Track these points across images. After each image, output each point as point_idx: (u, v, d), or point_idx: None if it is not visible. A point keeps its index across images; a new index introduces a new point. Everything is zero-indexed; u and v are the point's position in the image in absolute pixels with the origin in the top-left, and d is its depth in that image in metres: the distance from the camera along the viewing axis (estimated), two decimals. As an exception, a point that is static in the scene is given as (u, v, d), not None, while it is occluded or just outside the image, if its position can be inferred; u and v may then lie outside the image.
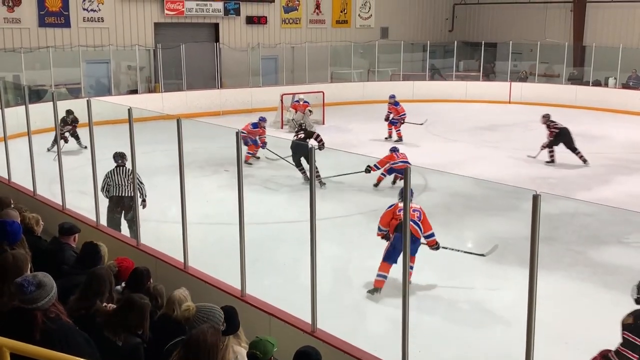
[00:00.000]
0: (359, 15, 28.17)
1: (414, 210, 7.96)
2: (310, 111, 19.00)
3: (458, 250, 8.57)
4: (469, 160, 15.05)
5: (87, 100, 7.85)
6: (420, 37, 29.03)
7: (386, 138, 17.69)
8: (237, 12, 24.29)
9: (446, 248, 8.37)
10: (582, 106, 23.15)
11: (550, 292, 7.63)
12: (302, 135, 13.68)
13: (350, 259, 9.11)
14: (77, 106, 14.18)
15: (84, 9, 21.16)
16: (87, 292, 4.57)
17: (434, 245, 8.20)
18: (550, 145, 15.01)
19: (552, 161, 14.99)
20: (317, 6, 26.82)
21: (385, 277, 7.89)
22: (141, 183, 8.78)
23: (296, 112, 18.90)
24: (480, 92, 25.10)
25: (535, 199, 3.81)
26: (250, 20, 24.87)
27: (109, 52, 21.25)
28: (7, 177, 9.83)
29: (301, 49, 25.15)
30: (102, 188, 8.99)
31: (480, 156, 15.63)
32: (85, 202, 8.53)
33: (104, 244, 5.79)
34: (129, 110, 6.85)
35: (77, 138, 15.74)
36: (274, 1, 25.23)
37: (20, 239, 5.20)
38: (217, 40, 24.05)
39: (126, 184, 9.02)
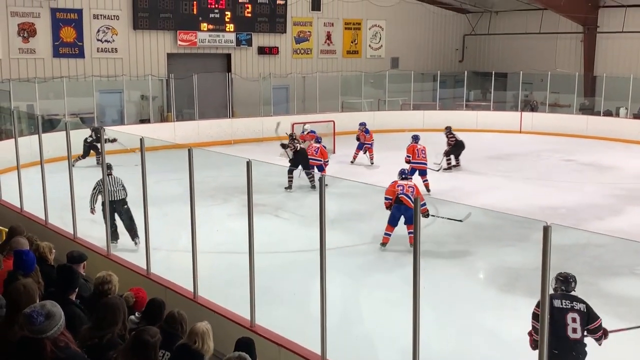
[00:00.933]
0: (369, 45, 28.40)
1: (409, 187, 10.81)
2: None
3: (441, 217, 10.96)
4: (480, 190, 15.03)
5: (100, 129, 7.94)
6: (431, 67, 29.19)
7: (351, 162, 18.98)
8: (249, 43, 24.56)
9: (433, 216, 11.02)
10: (593, 136, 23.11)
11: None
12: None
13: (360, 288, 9.06)
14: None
15: (98, 40, 21.48)
16: (101, 321, 4.56)
17: (425, 213, 10.72)
18: (448, 153, 17.77)
19: (449, 168, 17.56)
20: (328, 37, 27.09)
21: (389, 235, 10.75)
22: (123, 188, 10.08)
23: (304, 142, 19.01)
24: (491, 122, 25.12)
25: (546, 230, 3.81)
26: (262, 50, 25.12)
27: (122, 82, 21.50)
28: (19, 205, 9.91)
29: (312, 79, 25.35)
30: (93, 196, 10.15)
31: (492, 186, 15.60)
32: (96, 231, 8.59)
33: (115, 273, 5.80)
34: (141, 140, 6.92)
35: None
36: (285, 32, 25.51)
37: (35, 269, 5.23)
38: (229, 70, 24.29)
39: (116, 190, 10.11)
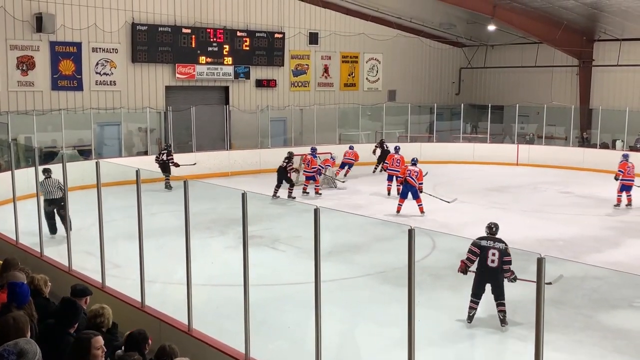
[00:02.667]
0: (366, 78, 28.63)
1: (414, 172, 15.43)
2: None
3: (432, 195, 13.61)
4: (477, 222, 14.93)
5: (96, 162, 7.95)
6: (427, 100, 29.41)
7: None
8: (247, 76, 24.74)
9: (427, 193, 14.06)
10: (590, 168, 23.19)
11: (563, 356, 7.50)
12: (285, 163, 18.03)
13: (358, 322, 8.98)
14: (87, 168, 14.35)
15: (96, 73, 21.61)
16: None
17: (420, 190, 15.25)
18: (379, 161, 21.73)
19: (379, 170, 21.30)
20: (326, 70, 27.31)
21: (401, 205, 15.68)
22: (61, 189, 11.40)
23: (330, 167, 20.39)
24: (487, 154, 25.22)
25: (540, 262, 3.80)
26: (260, 83, 25.30)
27: (120, 115, 21.60)
28: (14, 238, 9.86)
29: (310, 111, 25.50)
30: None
31: (489, 217, 15.43)
32: (90, 264, 8.54)
33: (109, 305, 5.76)
34: (137, 172, 6.92)
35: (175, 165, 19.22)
36: (283, 65, 25.73)
37: (28, 302, 5.18)
38: (227, 102, 24.44)
39: (54, 190, 12.43)
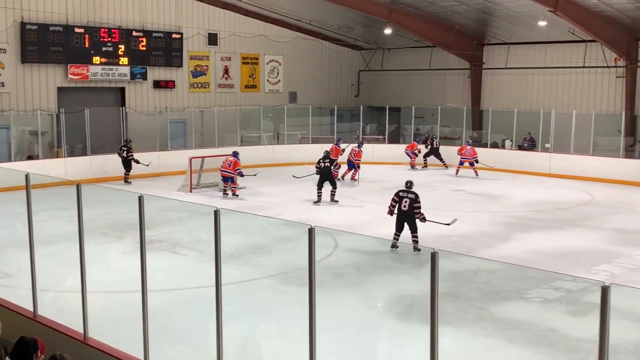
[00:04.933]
0: (267, 80, 28.65)
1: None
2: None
3: (430, 221, 12.64)
4: (377, 221, 15.31)
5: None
6: (328, 102, 29.79)
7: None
8: (144, 77, 24.18)
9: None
10: (481, 167, 24.20)
11: (457, 348, 7.79)
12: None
13: (259, 324, 8.98)
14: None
15: (-18, 73, 20.52)
16: None
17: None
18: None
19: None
20: (226, 71, 27.12)
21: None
22: None
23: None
24: (387, 155, 25.84)
25: (434, 256, 3.94)
26: (158, 84, 24.81)
27: (9, 117, 20.58)
28: None
29: (210, 113, 25.23)
30: None
31: (389, 217, 15.93)
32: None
33: (-2, 316, 5.49)
34: (27, 176, 6.64)
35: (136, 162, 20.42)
36: (182, 66, 25.33)
37: None
38: (123, 104, 23.78)
39: None
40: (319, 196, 17.45)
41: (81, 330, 6.28)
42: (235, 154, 18.68)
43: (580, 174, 22.09)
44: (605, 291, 3.50)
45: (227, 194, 18.50)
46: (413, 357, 7.89)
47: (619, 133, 22.80)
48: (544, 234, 14.34)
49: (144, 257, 5.65)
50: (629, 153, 23.11)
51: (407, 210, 12.33)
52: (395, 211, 12.54)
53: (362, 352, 8.14)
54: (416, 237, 12.20)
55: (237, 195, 18.50)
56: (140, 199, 5.63)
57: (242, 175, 18.42)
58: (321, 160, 17.68)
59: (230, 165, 18.22)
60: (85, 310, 6.25)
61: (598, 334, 3.58)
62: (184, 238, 13.83)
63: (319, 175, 17.68)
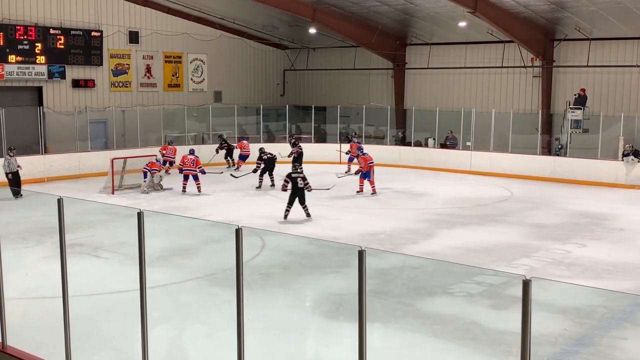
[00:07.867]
0: (191, 79, 28.28)
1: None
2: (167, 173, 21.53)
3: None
4: (303, 220, 15.39)
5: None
6: (254, 101, 29.67)
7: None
8: (63, 76, 23.43)
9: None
10: (405, 165, 24.68)
11: (386, 344, 7.90)
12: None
13: (186, 327, 8.85)
14: None
15: None
16: None
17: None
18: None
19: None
20: (148, 70, 26.59)
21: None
22: None
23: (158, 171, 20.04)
24: (313, 154, 25.90)
25: (361, 254, 3.98)
26: (77, 83, 24.08)
27: None
28: None
29: (132, 112, 24.69)
30: None
31: (317, 215, 16.02)
32: None
33: None
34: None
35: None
36: (102, 65, 24.67)
37: None
38: (40, 104, 22.96)
39: None
40: (260, 182, 19.84)
41: (-2, 339, 6.03)
42: (192, 152, 19.82)
43: (500, 171, 22.81)
44: (526, 285, 3.62)
45: (185, 191, 19.02)
46: (342, 354, 7.94)
47: (536, 131, 23.67)
48: (466, 229, 14.72)
49: (64, 261, 5.48)
50: (545, 150, 24.05)
51: (302, 187, 15.18)
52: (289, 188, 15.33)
53: (291, 351, 8.14)
54: (306, 207, 15.31)
55: (201, 192, 18.90)
56: (60, 201, 5.45)
57: (204, 173, 19.17)
58: (263, 154, 20.01)
59: (193, 163, 19.01)
60: (3, 318, 6.01)
61: (520, 326, 3.70)
62: (106, 241, 13.47)
63: (263, 166, 19.77)
